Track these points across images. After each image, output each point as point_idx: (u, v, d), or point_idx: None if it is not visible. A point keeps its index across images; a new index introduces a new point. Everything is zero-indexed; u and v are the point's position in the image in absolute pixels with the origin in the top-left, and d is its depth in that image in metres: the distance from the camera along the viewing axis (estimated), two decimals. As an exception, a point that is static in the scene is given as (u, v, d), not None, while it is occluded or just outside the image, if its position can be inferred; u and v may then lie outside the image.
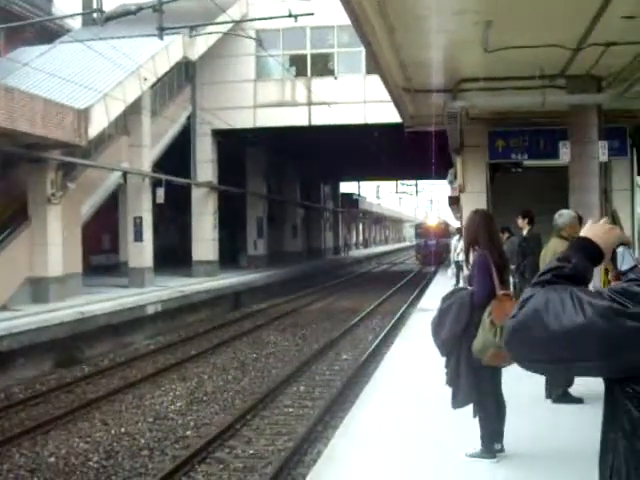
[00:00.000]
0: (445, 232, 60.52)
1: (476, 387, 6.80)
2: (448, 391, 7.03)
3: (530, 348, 1.94)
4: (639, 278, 1.84)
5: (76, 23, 34.38)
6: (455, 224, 44.82)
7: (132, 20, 22.62)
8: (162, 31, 21.06)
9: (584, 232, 2.16)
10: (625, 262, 2.14)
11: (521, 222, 13.46)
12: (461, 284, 18.79)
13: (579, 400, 8.86)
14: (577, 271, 2.03)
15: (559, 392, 8.96)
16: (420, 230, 67.03)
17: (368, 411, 9.34)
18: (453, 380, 6.88)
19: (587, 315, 1.81)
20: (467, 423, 7.19)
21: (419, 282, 39.94)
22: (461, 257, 21.35)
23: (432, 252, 54.70)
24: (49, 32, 31.40)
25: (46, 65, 25.47)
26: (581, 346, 1.83)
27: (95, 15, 20.20)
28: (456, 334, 6.72)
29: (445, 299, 7.00)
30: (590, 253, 2.10)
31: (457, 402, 6.95)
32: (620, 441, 1.87)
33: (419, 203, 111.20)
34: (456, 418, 7.52)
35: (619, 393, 1.86)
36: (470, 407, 6.99)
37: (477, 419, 6.99)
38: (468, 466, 6.86)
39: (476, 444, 6.97)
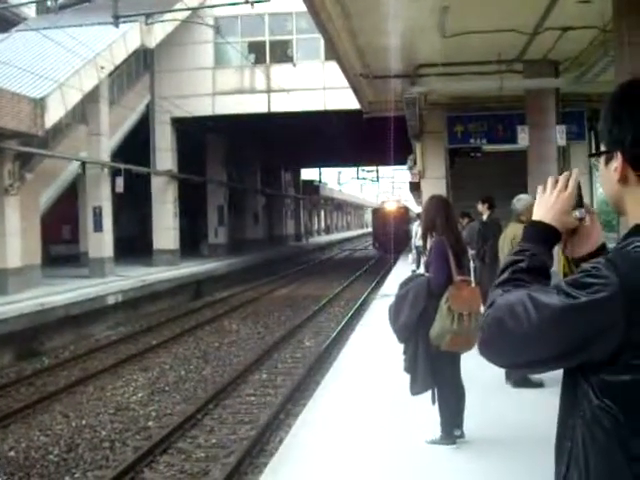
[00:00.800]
0: (405, 217, 57.09)
1: (434, 373, 6.80)
2: (407, 377, 7.03)
3: (500, 355, 1.94)
4: (590, 269, 1.82)
5: (32, 11, 33.93)
6: (417, 209, 44.35)
7: (88, 8, 22.39)
8: (117, 19, 20.83)
9: (534, 213, 2.11)
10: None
11: (481, 207, 13.51)
12: (421, 270, 18.80)
13: (539, 384, 8.90)
14: (534, 263, 2.00)
15: (519, 377, 8.98)
16: (377, 215, 61.90)
17: (329, 398, 9.35)
18: (411, 367, 6.88)
19: (543, 317, 1.80)
20: (427, 410, 7.21)
21: (381, 268, 40.02)
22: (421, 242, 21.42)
23: (390, 239, 47.65)
24: (4, 21, 30.92)
25: (1, 54, 25.12)
26: (543, 348, 1.83)
27: (49, 3, 19.93)
28: (413, 320, 6.72)
29: (402, 285, 6.99)
30: (544, 237, 2.06)
31: (415, 389, 6.96)
32: (579, 428, 1.86)
33: (381, 189, 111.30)
34: (416, 405, 7.54)
35: (580, 379, 1.85)
36: (429, 393, 7.00)
37: (437, 405, 7.00)
38: (428, 452, 6.88)
39: (436, 430, 6.99)
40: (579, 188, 2.09)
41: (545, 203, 2.09)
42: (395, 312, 6.84)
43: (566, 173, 2.11)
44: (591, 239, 2.10)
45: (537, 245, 2.03)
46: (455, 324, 6.44)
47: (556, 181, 2.11)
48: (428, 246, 7.20)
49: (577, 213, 2.07)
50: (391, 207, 60.69)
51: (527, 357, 1.88)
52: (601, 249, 2.08)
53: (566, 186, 2.08)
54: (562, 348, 1.81)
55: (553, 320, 1.79)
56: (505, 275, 2.00)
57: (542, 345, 1.82)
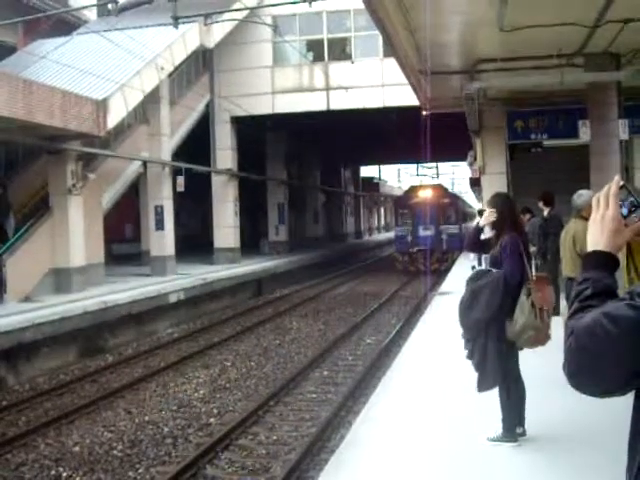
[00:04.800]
0: (451, 210, 37.78)
1: (502, 371, 6.74)
2: (469, 375, 6.99)
3: (596, 384, 1.93)
4: None
5: (93, 14, 34.38)
6: (477, 205, 41.43)
7: (147, 9, 22.61)
8: (177, 20, 20.97)
9: (589, 242, 2.09)
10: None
11: (541, 204, 13.40)
12: (483, 266, 18.53)
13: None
14: (598, 288, 1.99)
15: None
16: (404, 208, 38.50)
17: (390, 395, 9.32)
18: (480, 364, 6.80)
19: (622, 329, 1.80)
20: (488, 407, 7.16)
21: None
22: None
23: (427, 252, 32.66)
24: (66, 24, 31.38)
25: (64, 57, 25.50)
26: (629, 358, 1.82)
27: (110, 6, 20.16)
28: (487, 317, 6.64)
29: (471, 281, 6.90)
30: (602, 264, 2.05)
31: (483, 386, 6.89)
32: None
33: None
34: (477, 402, 7.49)
35: None
36: (491, 390, 6.94)
37: (499, 403, 6.94)
38: (490, 450, 6.83)
39: (498, 428, 6.93)
40: (634, 190, 2.07)
41: (595, 229, 2.07)
42: (468, 307, 6.76)
43: (605, 189, 2.09)
44: None
45: (597, 271, 2.03)
46: (538, 319, 6.45)
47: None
48: (488, 238, 7.14)
49: (634, 216, 2.05)
50: (426, 194, 37.96)
51: (619, 373, 1.84)
52: None
53: (607, 204, 2.06)
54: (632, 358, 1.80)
55: (632, 330, 1.79)
56: (574, 306, 2.00)
57: (628, 356, 1.80)
